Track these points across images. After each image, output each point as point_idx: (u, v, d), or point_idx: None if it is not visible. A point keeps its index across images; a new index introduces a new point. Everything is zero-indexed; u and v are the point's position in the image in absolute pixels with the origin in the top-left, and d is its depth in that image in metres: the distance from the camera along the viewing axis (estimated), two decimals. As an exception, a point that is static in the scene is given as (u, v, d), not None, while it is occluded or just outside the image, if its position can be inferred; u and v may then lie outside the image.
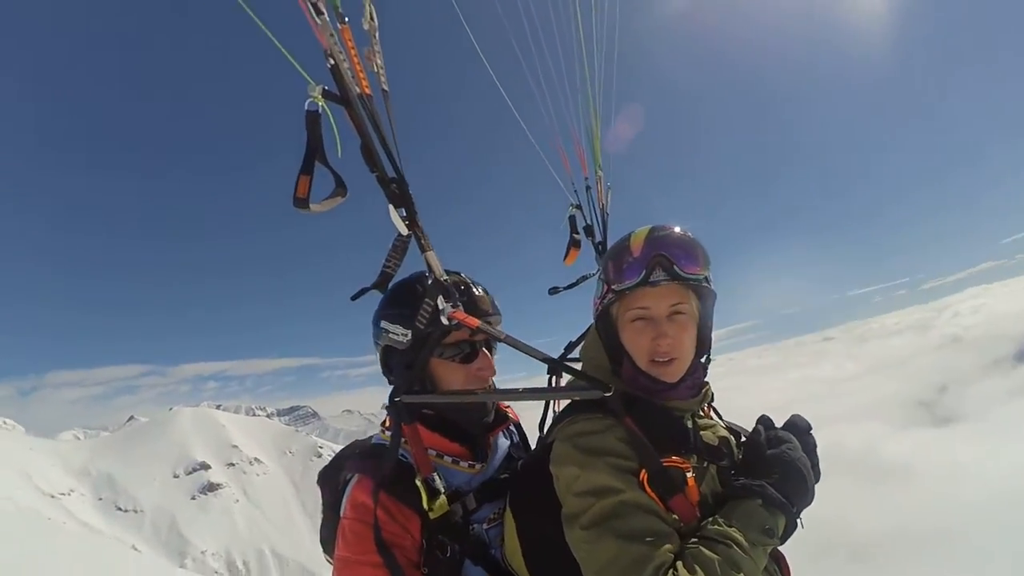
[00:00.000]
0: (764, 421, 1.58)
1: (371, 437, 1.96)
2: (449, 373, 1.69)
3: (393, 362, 1.74)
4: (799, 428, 1.54)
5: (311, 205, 1.39)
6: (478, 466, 1.76)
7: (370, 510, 1.53)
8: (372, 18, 1.47)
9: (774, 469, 1.41)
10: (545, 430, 2.17)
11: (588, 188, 2.82)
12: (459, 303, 1.44)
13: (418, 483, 1.53)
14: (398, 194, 1.38)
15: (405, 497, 1.55)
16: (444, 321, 1.39)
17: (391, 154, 1.37)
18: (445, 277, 1.43)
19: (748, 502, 1.35)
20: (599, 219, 2.88)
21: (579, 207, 2.82)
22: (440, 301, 1.39)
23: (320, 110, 1.49)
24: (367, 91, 1.39)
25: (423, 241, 1.41)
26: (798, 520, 1.38)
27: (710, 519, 1.35)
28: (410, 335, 1.63)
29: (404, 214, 1.39)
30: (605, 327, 1.65)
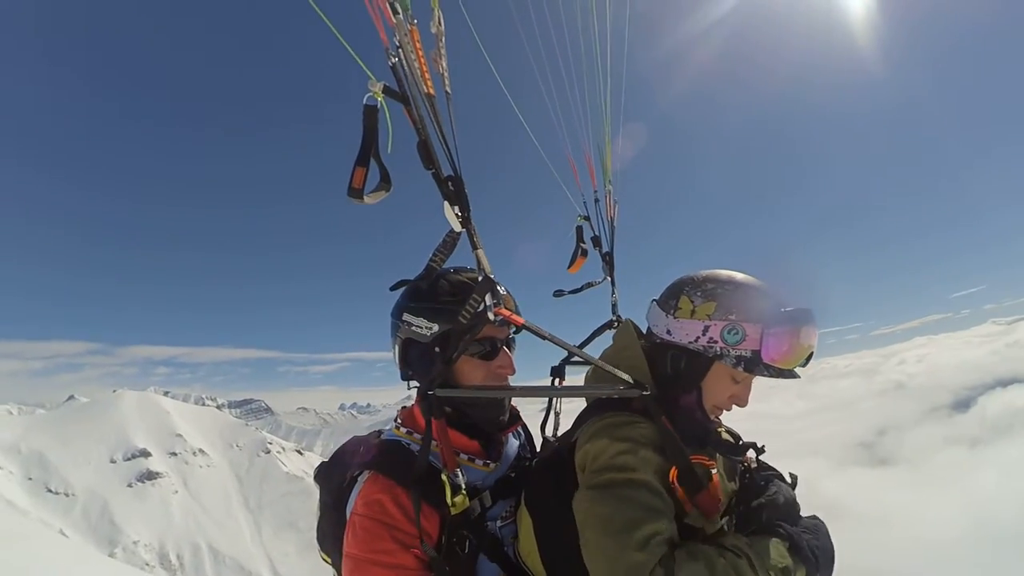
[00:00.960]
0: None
1: (376, 433, 1.95)
2: (471, 369, 1.70)
3: (413, 356, 1.75)
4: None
5: (364, 196, 1.44)
6: (492, 465, 1.78)
7: (386, 509, 1.52)
8: (440, 23, 1.53)
9: (777, 503, 1.54)
10: (554, 431, 2.23)
11: (597, 201, 2.91)
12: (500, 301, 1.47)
13: (443, 478, 1.53)
14: (454, 192, 1.43)
15: (427, 494, 1.54)
16: (490, 317, 1.42)
17: (451, 153, 1.42)
18: (493, 275, 1.48)
19: (770, 526, 1.47)
20: (607, 231, 2.96)
21: (587, 218, 2.90)
22: (488, 298, 1.43)
23: (379, 105, 1.54)
24: (431, 91, 1.44)
25: (475, 238, 1.45)
26: None
27: (732, 536, 1.43)
28: (436, 328, 1.65)
29: (458, 212, 1.43)
30: (693, 358, 1.62)
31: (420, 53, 1.45)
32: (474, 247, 1.46)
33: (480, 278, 1.44)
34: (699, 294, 1.60)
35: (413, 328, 1.69)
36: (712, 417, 1.64)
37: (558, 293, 2.83)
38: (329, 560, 1.91)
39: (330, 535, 1.82)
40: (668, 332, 1.65)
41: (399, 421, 1.83)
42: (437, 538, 1.56)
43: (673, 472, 1.43)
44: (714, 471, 1.49)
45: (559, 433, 2.18)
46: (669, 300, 1.68)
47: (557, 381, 2.18)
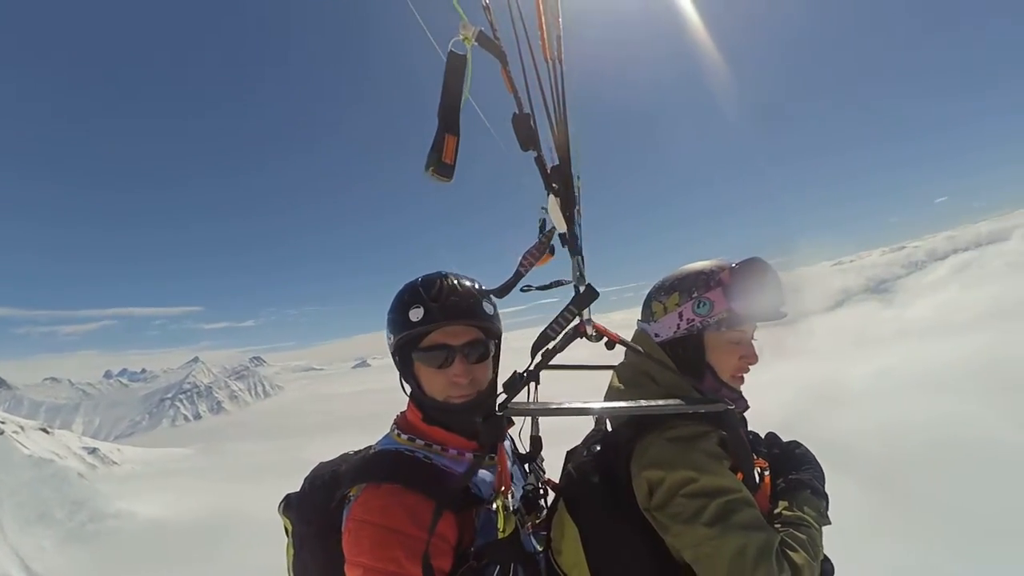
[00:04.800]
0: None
1: (363, 449, 1.85)
2: (428, 377, 1.65)
3: (396, 364, 1.72)
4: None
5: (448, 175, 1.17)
6: (495, 460, 1.73)
7: (395, 514, 1.42)
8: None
9: (805, 465, 1.70)
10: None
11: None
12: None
13: (497, 505, 1.48)
14: (563, 184, 1.18)
15: (457, 510, 1.48)
16: (590, 332, 1.31)
17: (564, 133, 1.16)
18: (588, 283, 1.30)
19: (803, 492, 1.61)
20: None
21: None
22: (586, 313, 1.26)
23: (467, 55, 1.22)
24: (548, 54, 1.16)
25: (579, 242, 1.24)
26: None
27: (782, 506, 1.57)
28: (392, 339, 1.65)
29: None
30: (686, 343, 1.73)
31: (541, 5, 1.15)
32: (573, 252, 1.25)
33: (582, 289, 1.26)
34: (663, 294, 1.77)
35: (387, 339, 1.69)
36: (736, 386, 1.75)
37: (526, 288, 2.68)
38: None
39: (316, 570, 1.67)
40: (657, 336, 1.77)
41: (397, 428, 1.73)
42: (454, 555, 1.49)
43: (739, 476, 1.52)
44: (766, 473, 1.64)
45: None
46: (645, 313, 1.82)
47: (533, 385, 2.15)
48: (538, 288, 2.74)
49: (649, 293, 1.84)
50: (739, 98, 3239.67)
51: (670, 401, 1.52)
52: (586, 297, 1.28)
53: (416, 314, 1.56)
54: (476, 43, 1.22)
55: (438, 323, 1.58)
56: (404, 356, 1.65)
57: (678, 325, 1.71)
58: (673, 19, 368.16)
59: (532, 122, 1.20)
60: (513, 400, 1.37)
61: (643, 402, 1.50)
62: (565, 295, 1.55)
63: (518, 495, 1.74)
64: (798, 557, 1.39)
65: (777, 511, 1.57)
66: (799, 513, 1.53)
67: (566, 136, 1.18)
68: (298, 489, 1.83)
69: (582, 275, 1.31)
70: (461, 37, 1.21)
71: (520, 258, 1.60)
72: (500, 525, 1.47)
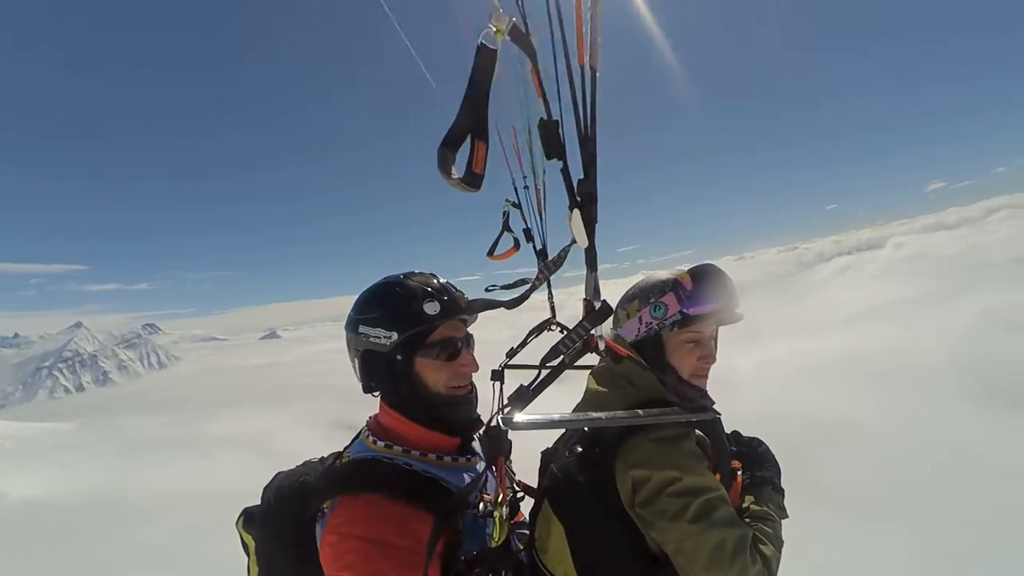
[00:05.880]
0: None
1: (332, 456, 1.77)
2: (434, 372, 1.62)
3: (375, 367, 1.64)
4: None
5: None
6: (473, 460, 1.75)
7: (383, 527, 1.37)
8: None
9: (766, 462, 1.86)
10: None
11: (526, 188, 2.68)
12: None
13: (497, 519, 1.46)
14: (588, 198, 1.13)
15: (444, 519, 1.43)
16: (600, 346, 1.29)
17: (591, 143, 1.10)
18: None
19: (767, 488, 1.77)
20: (540, 225, 2.76)
21: (517, 205, 2.67)
22: (608, 324, 1.23)
23: (496, 49, 1.12)
24: (583, 60, 1.08)
25: (595, 258, 1.19)
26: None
27: (749, 501, 1.71)
28: (395, 336, 1.57)
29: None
30: (647, 345, 1.83)
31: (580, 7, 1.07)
32: (591, 268, 1.21)
33: (598, 305, 1.22)
34: (627, 301, 1.87)
35: (371, 339, 1.60)
36: (697, 384, 1.84)
37: (491, 288, 2.60)
38: None
39: None
40: (622, 340, 1.86)
41: (371, 434, 1.66)
42: (440, 561, 1.46)
43: (717, 476, 1.63)
44: (740, 472, 1.76)
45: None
46: (614, 320, 1.90)
47: (497, 385, 2.06)
48: (503, 287, 2.66)
49: (617, 302, 1.94)
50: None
51: (664, 411, 1.59)
52: (601, 313, 1.25)
53: (433, 308, 1.56)
54: (508, 37, 1.13)
55: (450, 317, 1.59)
56: (407, 354, 1.59)
57: (639, 328, 1.82)
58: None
59: (561, 130, 1.13)
60: (514, 411, 1.31)
61: (640, 411, 1.57)
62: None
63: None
64: (767, 550, 1.54)
65: (745, 506, 1.71)
66: (765, 508, 1.69)
67: (594, 149, 1.11)
68: (259, 502, 1.71)
69: (598, 291, 1.27)
70: (493, 29, 1.11)
71: (537, 271, 1.57)
72: (496, 535, 1.46)
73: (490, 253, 2.47)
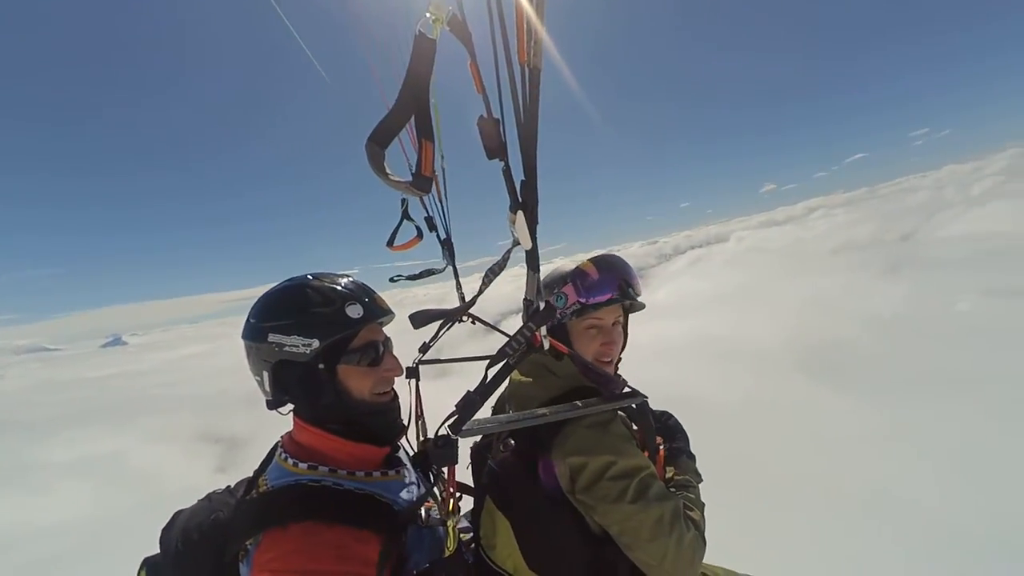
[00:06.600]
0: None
1: (241, 485, 1.62)
2: (358, 379, 1.51)
3: (290, 379, 1.47)
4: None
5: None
6: (402, 472, 1.67)
7: (332, 557, 1.24)
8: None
9: (678, 434, 2.04)
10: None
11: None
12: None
13: (450, 528, 1.42)
14: (529, 198, 1.10)
15: (392, 538, 1.36)
16: (545, 345, 1.33)
17: (531, 142, 1.07)
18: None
19: (683, 458, 1.93)
20: (443, 214, 2.72)
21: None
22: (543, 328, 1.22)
23: (435, 39, 1.04)
24: (524, 59, 1.04)
25: (538, 258, 1.17)
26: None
27: (671, 472, 1.86)
28: (316, 343, 1.42)
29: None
30: (558, 333, 1.93)
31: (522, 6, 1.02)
32: (535, 269, 1.18)
33: (541, 305, 1.21)
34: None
35: (286, 348, 1.44)
36: (602, 368, 1.91)
37: (395, 279, 2.49)
38: None
39: None
40: None
41: (289, 456, 1.49)
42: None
43: (646, 453, 1.73)
44: (662, 447, 1.91)
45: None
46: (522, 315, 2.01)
47: (414, 383, 2.09)
48: (408, 278, 2.56)
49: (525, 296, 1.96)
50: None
51: (599, 400, 1.66)
52: (545, 314, 1.24)
53: (356, 311, 1.46)
54: (447, 27, 1.06)
55: (373, 320, 1.50)
56: (329, 362, 1.46)
57: (558, 311, 1.91)
58: None
59: (502, 129, 1.08)
60: (463, 419, 1.26)
61: (579, 403, 1.62)
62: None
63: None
64: (695, 515, 1.68)
65: (669, 477, 1.85)
66: (686, 477, 1.85)
67: (535, 150, 1.09)
68: (157, 550, 1.50)
69: (540, 292, 1.26)
70: (431, 17, 1.03)
71: (483, 275, 1.51)
72: (449, 543, 1.42)
73: (390, 243, 2.35)
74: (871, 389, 13.98)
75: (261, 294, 1.53)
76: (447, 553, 1.43)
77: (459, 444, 1.22)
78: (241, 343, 1.50)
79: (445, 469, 1.41)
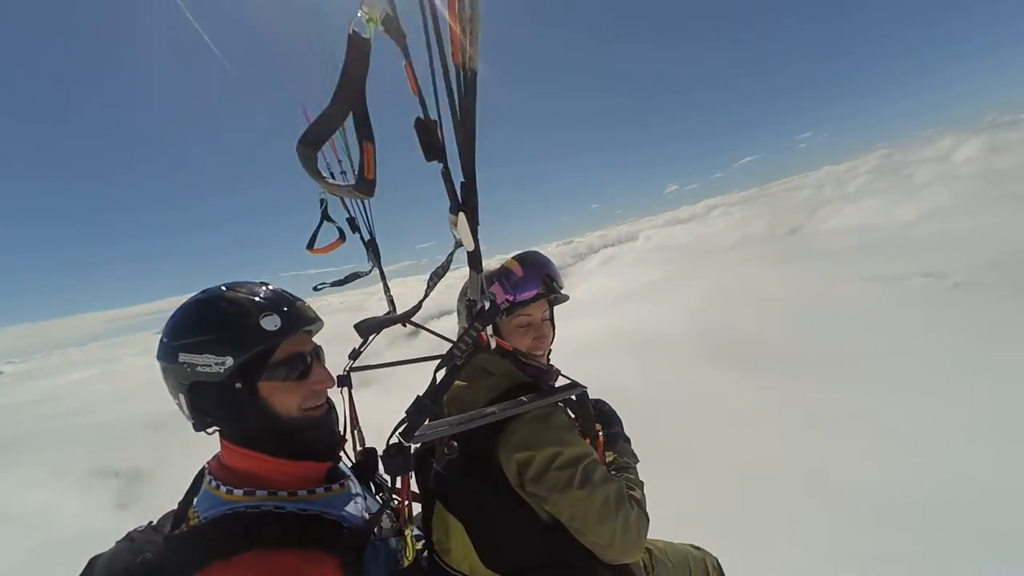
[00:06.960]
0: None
1: (168, 517, 1.49)
2: (284, 395, 1.41)
3: (208, 400, 1.36)
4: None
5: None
6: (346, 484, 1.59)
7: None
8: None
9: (613, 419, 2.16)
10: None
11: (343, 173, 2.55)
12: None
13: (408, 537, 1.41)
14: (470, 199, 1.11)
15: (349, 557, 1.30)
16: (492, 344, 1.35)
17: (469, 144, 1.08)
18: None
19: (620, 441, 2.06)
20: (367, 215, 2.65)
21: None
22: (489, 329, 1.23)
23: (370, 39, 1.02)
24: (458, 60, 1.05)
25: (480, 259, 1.17)
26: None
27: (610, 456, 1.97)
28: (230, 361, 1.32)
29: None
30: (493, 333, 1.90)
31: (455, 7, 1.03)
32: (478, 269, 1.18)
33: (486, 305, 1.20)
34: (464, 295, 2.06)
35: (199, 368, 1.33)
36: (539, 363, 1.99)
37: (320, 286, 2.40)
38: None
39: None
40: None
41: (220, 483, 1.37)
42: None
43: (587, 440, 1.81)
44: (601, 433, 1.96)
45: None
46: (457, 316, 2.10)
47: (345, 391, 2.06)
48: (333, 284, 2.46)
49: (458, 297, 2.09)
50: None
51: (542, 394, 1.69)
52: (491, 313, 1.25)
53: (272, 323, 1.35)
54: (382, 27, 1.04)
55: (294, 331, 1.39)
56: (247, 379, 1.35)
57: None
58: None
59: (440, 131, 1.09)
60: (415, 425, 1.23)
61: (524, 398, 1.64)
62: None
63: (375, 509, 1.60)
64: (637, 494, 1.79)
65: (609, 460, 1.95)
66: (625, 459, 1.97)
67: (472, 152, 1.10)
68: None
69: (484, 291, 1.26)
70: (364, 17, 1.01)
71: (427, 280, 1.47)
72: (408, 554, 1.42)
73: (310, 246, 2.24)
74: (768, 369, 15.28)
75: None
76: (405, 564, 1.40)
77: (411, 453, 1.20)
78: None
79: (399, 479, 1.37)
